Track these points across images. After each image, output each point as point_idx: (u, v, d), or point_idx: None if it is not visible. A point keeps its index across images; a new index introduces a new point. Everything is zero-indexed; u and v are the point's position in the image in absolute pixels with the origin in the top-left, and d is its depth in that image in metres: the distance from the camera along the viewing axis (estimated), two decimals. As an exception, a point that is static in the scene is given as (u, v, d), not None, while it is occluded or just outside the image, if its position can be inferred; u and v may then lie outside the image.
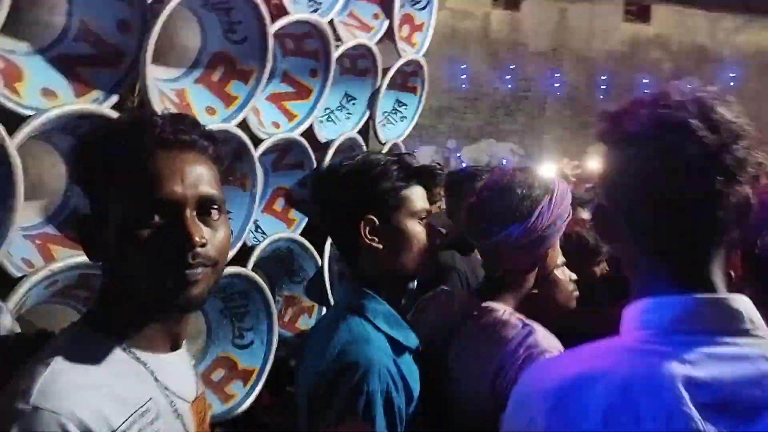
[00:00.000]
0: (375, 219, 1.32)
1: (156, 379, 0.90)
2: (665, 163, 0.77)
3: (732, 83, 9.66)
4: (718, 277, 0.80)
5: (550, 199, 1.39)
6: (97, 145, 0.90)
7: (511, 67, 9.89)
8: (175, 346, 0.96)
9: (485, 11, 9.76)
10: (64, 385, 0.79)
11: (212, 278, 0.91)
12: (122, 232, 0.86)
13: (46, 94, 1.57)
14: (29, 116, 1.48)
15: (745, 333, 0.76)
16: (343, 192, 1.35)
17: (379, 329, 1.27)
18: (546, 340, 1.32)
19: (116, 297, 0.91)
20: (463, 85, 9.75)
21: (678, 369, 0.72)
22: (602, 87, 10.27)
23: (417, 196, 1.36)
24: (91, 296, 1.75)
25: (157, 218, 0.85)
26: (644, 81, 10.05)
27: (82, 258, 1.62)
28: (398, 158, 1.37)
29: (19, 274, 1.50)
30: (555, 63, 10.09)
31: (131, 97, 1.93)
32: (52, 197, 1.76)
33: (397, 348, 1.28)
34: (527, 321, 1.37)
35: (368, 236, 1.31)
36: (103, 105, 1.64)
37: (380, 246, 1.32)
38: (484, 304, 1.42)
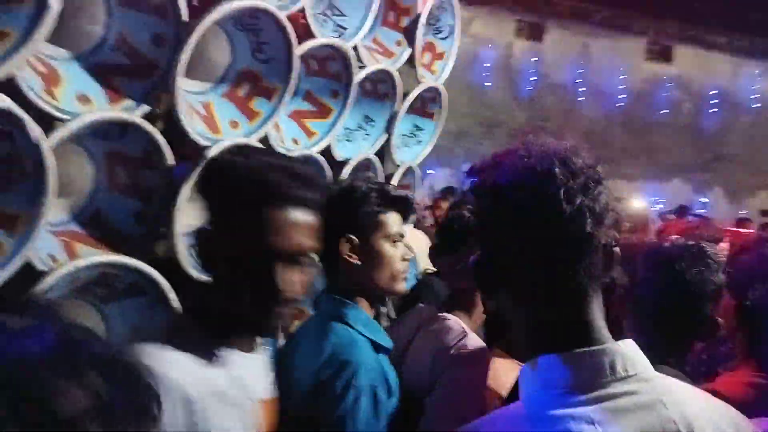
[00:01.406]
0: (354, 239, 1.50)
1: (235, 374, 1.07)
2: (536, 209, 0.80)
3: (752, 127, 9.66)
4: (600, 324, 0.82)
5: None
6: (238, 180, 1.07)
7: (531, 97, 9.98)
8: (253, 348, 1.14)
9: (508, 40, 9.89)
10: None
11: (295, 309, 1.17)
12: (245, 264, 1.04)
13: (82, 100, 1.67)
14: (64, 119, 1.57)
15: (637, 378, 0.78)
16: (329, 212, 1.46)
17: (360, 333, 1.44)
18: (476, 344, 1.62)
19: (218, 303, 1.08)
20: (482, 112, 9.84)
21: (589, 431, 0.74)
22: (620, 123, 10.31)
23: (392, 221, 1.55)
24: (109, 293, 1.83)
25: (274, 262, 1.05)
26: (663, 120, 10.11)
27: (104, 257, 1.70)
28: (378, 186, 1.58)
29: (44, 269, 1.58)
30: (574, 96, 10.17)
31: (160, 106, 2.03)
32: (79, 196, 1.85)
33: (376, 349, 1.46)
34: (467, 330, 1.64)
35: (347, 253, 1.50)
36: (134, 113, 1.73)
37: (358, 263, 1.50)
38: (440, 314, 1.70)
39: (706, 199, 10.57)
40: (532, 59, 9.94)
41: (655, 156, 10.48)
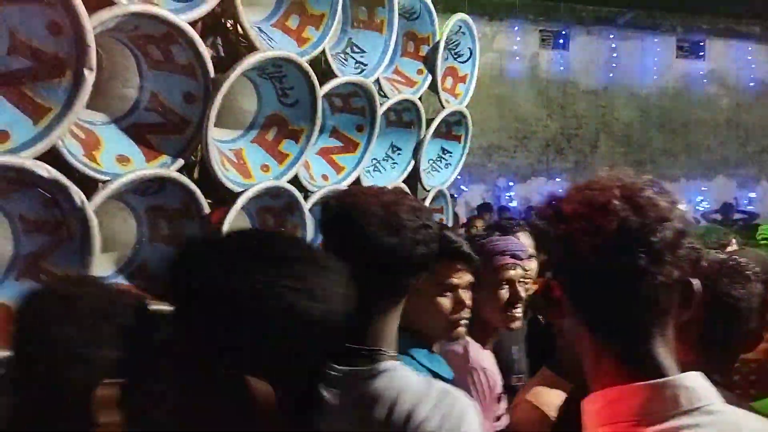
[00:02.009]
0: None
1: None
2: (591, 240, 0.81)
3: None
4: (665, 357, 0.82)
5: None
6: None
7: (561, 105, 9.89)
8: None
9: (533, 52, 9.85)
10: None
11: None
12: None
13: (121, 160, 1.77)
14: (106, 181, 1.67)
15: (702, 411, 0.78)
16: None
17: (421, 364, 1.46)
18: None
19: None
20: (513, 124, 9.80)
21: None
22: (657, 123, 10.10)
23: (444, 268, 1.54)
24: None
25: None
26: (701, 117, 9.86)
27: (152, 307, 1.78)
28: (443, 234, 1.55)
29: (94, 322, 1.66)
30: (606, 100, 10.03)
31: (195, 156, 2.12)
32: (124, 250, 1.95)
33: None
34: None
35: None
36: (171, 168, 1.82)
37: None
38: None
39: (753, 194, 10.21)
40: (560, 68, 9.87)
41: (695, 154, 10.21)
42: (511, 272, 1.79)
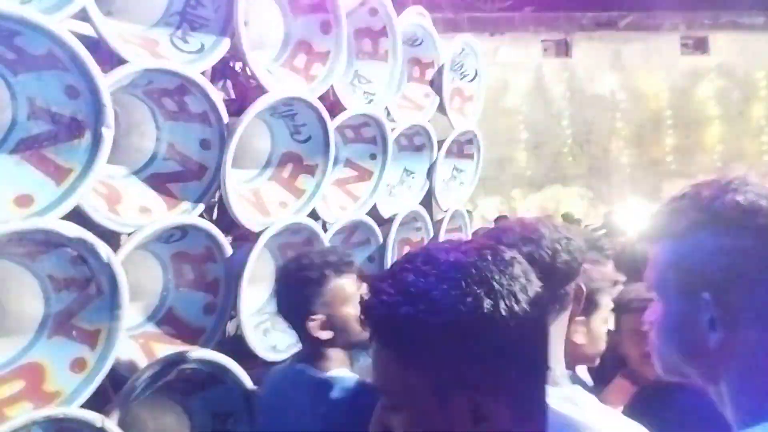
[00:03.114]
0: None
1: None
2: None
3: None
4: None
5: None
6: None
7: (570, 113, 9.88)
8: None
9: (537, 62, 9.89)
10: None
11: None
12: None
13: (143, 211, 1.80)
14: (130, 233, 1.70)
15: None
16: None
17: None
18: None
19: None
20: (523, 135, 9.81)
21: None
22: (668, 122, 10.04)
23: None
24: (189, 386, 1.92)
25: None
26: (712, 112, 9.79)
27: (181, 354, 1.80)
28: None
29: (127, 375, 1.68)
30: (615, 103, 10.00)
31: (214, 198, 2.15)
32: (151, 298, 1.97)
33: None
34: None
35: None
36: (192, 214, 1.85)
37: None
38: None
39: (775, 185, 10.03)
40: (565, 76, 9.88)
41: (710, 150, 10.11)
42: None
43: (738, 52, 10.11)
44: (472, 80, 3.42)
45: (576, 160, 9.86)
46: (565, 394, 0.99)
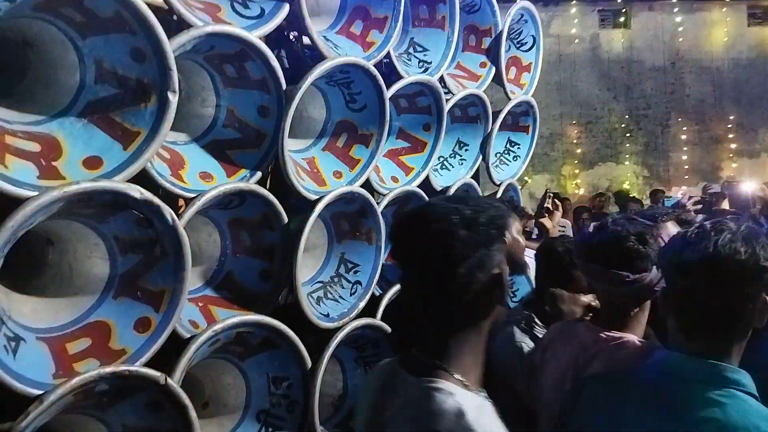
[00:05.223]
0: None
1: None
2: None
3: None
4: None
5: None
6: None
7: (627, 86, 9.51)
8: None
9: (593, 32, 9.51)
10: (491, 428, 0.94)
11: None
12: None
13: (204, 177, 1.82)
14: (192, 198, 1.73)
15: None
16: None
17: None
18: None
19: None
20: (576, 110, 9.50)
21: None
22: (731, 97, 9.54)
23: None
24: (246, 350, 1.96)
25: None
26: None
27: (238, 318, 1.83)
28: None
29: (188, 335, 1.73)
30: (675, 77, 9.55)
31: (270, 168, 2.17)
32: (210, 263, 2.01)
33: None
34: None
35: None
36: (250, 181, 1.87)
37: None
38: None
39: None
40: (623, 47, 9.48)
41: (776, 127, 9.59)
42: None
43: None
44: (529, 49, 3.32)
45: (632, 137, 9.51)
46: None
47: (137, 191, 1.48)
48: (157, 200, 1.53)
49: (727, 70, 9.56)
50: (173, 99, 1.53)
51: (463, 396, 0.97)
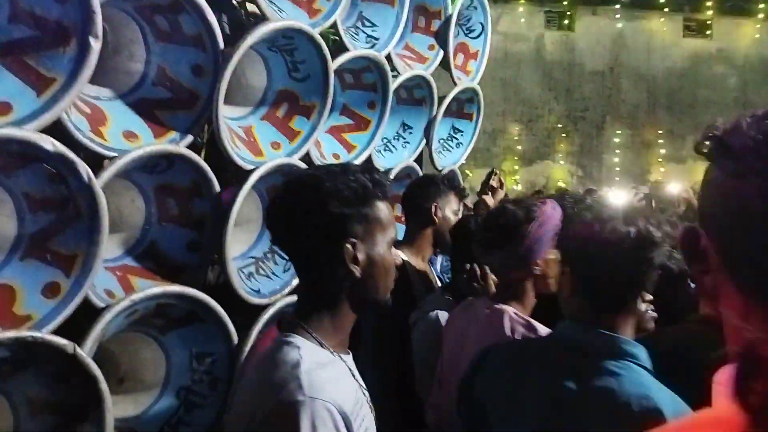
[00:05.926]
0: None
1: (353, 375, 1.05)
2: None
3: (805, 97, 9.20)
4: None
5: None
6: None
7: (567, 88, 9.76)
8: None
9: (538, 33, 9.70)
10: (322, 380, 0.95)
11: None
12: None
13: (128, 137, 1.69)
14: (113, 157, 1.60)
15: None
16: None
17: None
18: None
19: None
20: (518, 108, 9.69)
21: None
22: (664, 104, 9.98)
23: None
24: (167, 323, 1.85)
25: None
26: (709, 97, 9.75)
27: (160, 288, 1.72)
28: None
29: (102, 305, 1.61)
30: (613, 82, 9.89)
31: (202, 134, 2.05)
32: (132, 231, 1.88)
33: None
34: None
35: None
36: (180, 145, 1.75)
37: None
38: (497, 306, 1.68)
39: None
40: (566, 49, 9.72)
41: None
42: None
43: (739, 38, 10.02)
44: (477, 36, 3.31)
45: (569, 137, 9.79)
46: None
47: (50, 143, 1.35)
48: (72, 154, 1.40)
49: (662, 78, 9.97)
50: (95, 45, 1.40)
51: (309, 350, 1.00)
